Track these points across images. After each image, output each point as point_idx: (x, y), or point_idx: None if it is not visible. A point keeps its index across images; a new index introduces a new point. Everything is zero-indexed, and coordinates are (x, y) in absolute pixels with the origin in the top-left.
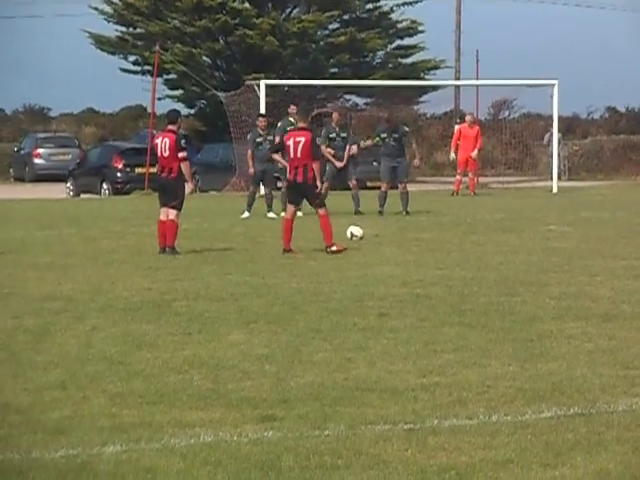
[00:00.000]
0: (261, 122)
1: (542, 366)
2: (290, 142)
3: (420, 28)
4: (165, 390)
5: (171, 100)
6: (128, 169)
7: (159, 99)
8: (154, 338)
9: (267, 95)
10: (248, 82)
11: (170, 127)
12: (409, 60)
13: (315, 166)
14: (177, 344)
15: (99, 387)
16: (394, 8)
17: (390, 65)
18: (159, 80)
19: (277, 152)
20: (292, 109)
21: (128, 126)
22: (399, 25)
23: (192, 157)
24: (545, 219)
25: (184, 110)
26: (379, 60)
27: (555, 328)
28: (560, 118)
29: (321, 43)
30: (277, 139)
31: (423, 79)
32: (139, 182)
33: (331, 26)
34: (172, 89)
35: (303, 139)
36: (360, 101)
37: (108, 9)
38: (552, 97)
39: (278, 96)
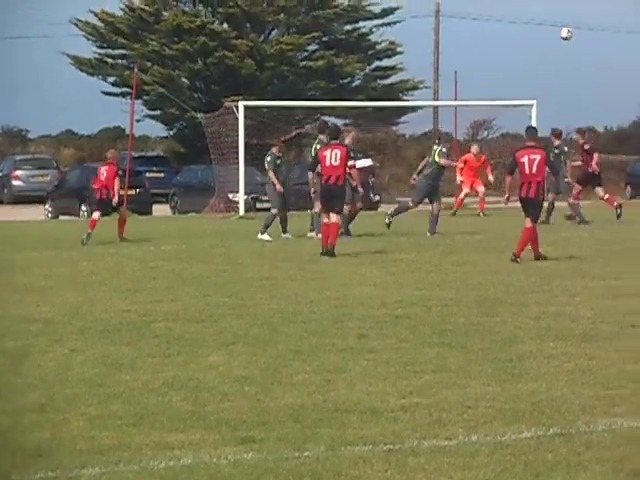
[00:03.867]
0: (278, 145)
1: (522, 386)
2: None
3: (399, 49)
4: (144, 412)
5: (150, 121)
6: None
7: (137, 121)
8: (133, 360)
9: (246, 116)
10: (227, 103)
11: None
12: (388, 81)
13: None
14: (156, 366)
15: (78, 409)
16: (373, 29)
17: (369, 86)
18: (138, 101)
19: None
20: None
21: (106, 148)
22: (378, 46)
23: (171, 179)
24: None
25: (163, 132)
26: (358, 82)
27: (535, 348)
28: (539, 138)
29: (299, 66)
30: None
31: (402, 100)
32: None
33: (310, 47)
34: (151, 110)
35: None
36: (339, 122)
37: (88, 28)
38: (530, 117)
39: (257, 118)
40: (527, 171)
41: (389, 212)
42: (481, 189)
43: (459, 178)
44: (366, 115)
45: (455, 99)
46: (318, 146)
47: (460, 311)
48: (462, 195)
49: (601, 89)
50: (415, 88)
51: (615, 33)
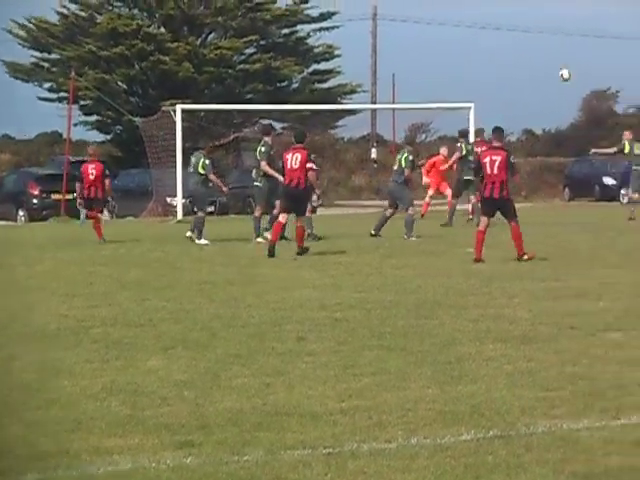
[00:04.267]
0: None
1: (461, 388)
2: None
3: (336, 52)
4: (83, 417)
5: (86, 126)
6: (44, 195)
7: (75, 125)
8: (71, 365)
9: (183, 120)
10: (164, 107)
11: None
12: (326, 85)
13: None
14: (95, 371)
15: (16, 415)
16: (310, 33)
17: (307, 90)
18: (75, 106)
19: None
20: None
21: (44, 152)
22: (315, 50)
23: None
24: (463, 242)
25: (99, 136)
26: (296, 85)
27: (474, 350)
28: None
29: (237, 69)
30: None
31: (340, 103)
32: (55, 208)
33: (248, 51)
34: (87, 115)
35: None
36: (277, 126)
37: (22, 33)
38: (469, 120)
39: (194, 121)
40: (489, 171)
41: (405, 234)
42: (448, 192)
43: (425, 180)
44: (304, 119)
45: (393, 102)
46: (262, 148)
47: (399, 314)
48: (427, 199)
49: (538, 91)
50: (353, 92)
51: (553, 35)
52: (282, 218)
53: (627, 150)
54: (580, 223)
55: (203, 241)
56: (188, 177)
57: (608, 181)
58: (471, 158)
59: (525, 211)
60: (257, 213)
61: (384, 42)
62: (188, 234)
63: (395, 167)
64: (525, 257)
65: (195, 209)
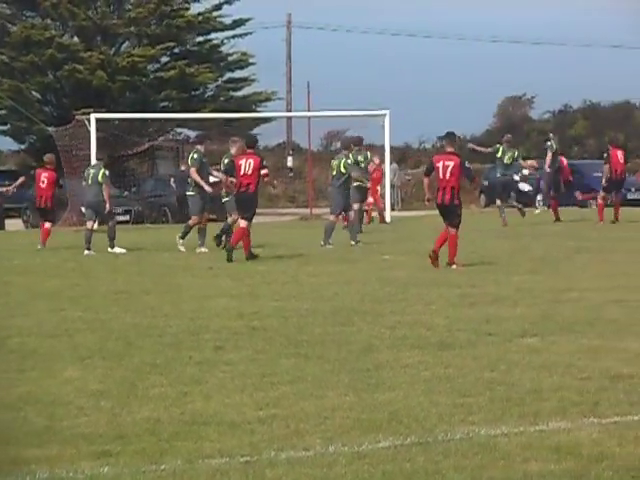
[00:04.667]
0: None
1: (379, 396)
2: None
3: (251, 60)
4: None
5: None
6: None
7: None
8: None
9: (98, 129)
10: (78, 116)
11: None
12: (240, 93)
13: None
14: (11, 381)
15: None
16: (224, 41)
17: (222, 98)
18: None
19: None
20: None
21: None
22: (230, 58)
23: (23, 193)
24: (379, 249)
25: (13, 145)
26: (210, 93)
27: (391, 357)
28: (392, 148)
29: (151, 77)
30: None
31: (255, 111)
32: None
33: (162, 59)
34: (1, 124)
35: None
36: (192, 134)
37: None
38: (384, 127)
39: (109, 130)
40: (441, 176)
41: (323, 240)
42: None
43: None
44: (219, 127)
45: (308, 110)
46: (194, 155)
47: (316, 321)
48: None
49: (454, 98)
50: (268, 99)
51: (472, 42)
52: (242, 223)
53: (499, 155)
54: (496, 229)
55: (118, 250)
56: (87, 189)
57: (524, 187)
58: (363, 166)
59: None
60: (192, 222)
61: (299, 50)
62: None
63: (334, 172)
64: (453, 267)
65: (103, 219)
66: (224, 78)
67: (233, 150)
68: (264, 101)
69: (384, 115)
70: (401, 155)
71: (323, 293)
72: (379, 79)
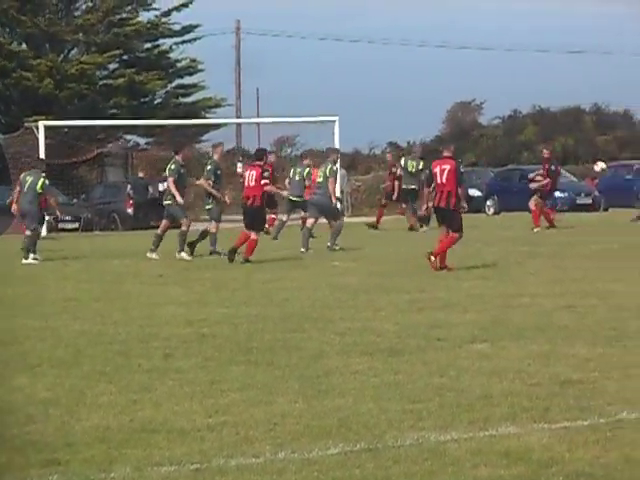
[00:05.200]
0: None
1: (329, 402)
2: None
3: (200, 67)
4: None
5: None
6: None
7: None
8: None
9: (46, 136)
10: (27, 124)
11: None
12: (190, 99)
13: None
14: None
15: None
16: (173, 47)
17: (171, 104)
18: None
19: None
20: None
21: None
22: (179, 64)
23: None
24: (329, 255)
25: None
26: (159, 100)
27: (341, 364)
28: (342, 154)
29: (100, 84)
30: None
31: (204, 117)
32: None
33: (111, 66)
34: None
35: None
36: (141, 141)
37: None
38: (334, 133)
39: (57, 137)
40: (439, 181)
41: (302, 246)
42: None
43: None
44: (169, 133)
45: (258, 116)
46: (172, 166)
47: (266, 328)
48: None
49: (404, 104)
50: (218, 106)
51: (419, 47)
52: (253, 235)
53: (402, 164)
54: None
55: (30, 259)
56: (21, 196)
57: (474, 193)
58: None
59: (390, 224)
60: (184, 227)
61: (246, 56)
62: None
63: (320, 180)
64: (432, 258)
65: (27, 227)
66: (173, 84)
67: (216, 156)
68: (213, 107)
69: (334, 121)
70: (350, 161)
71: (273, 299)
72: (327, 85)
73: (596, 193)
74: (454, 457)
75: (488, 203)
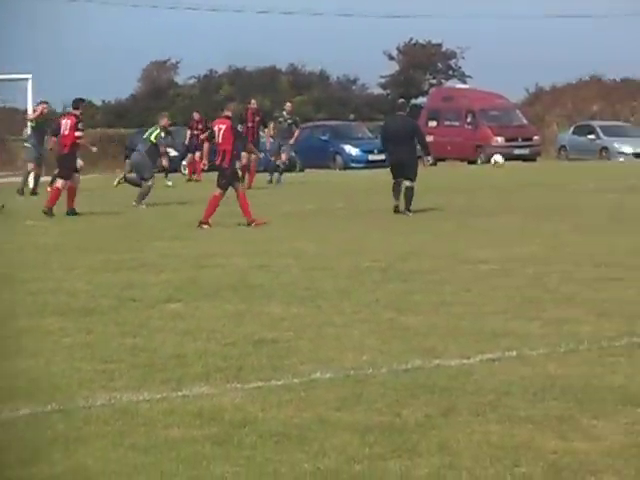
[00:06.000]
0: None
1: (20, 363)
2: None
3: None
4: None
5: None
6: None
7: None
8: None
9: None
10: None
11: None
12: None
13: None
14: None
15: None
16: None
17: None
18: None
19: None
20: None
21: None
22: None
23: None
24: (23, 214)
25: None
26: None
27: (33, 324)
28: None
29: None
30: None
31: None
32: None
33: None
34: None
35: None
36: None
37: None
38: (27, 91)
39: None
40: (218, 140)
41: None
42: None
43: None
44: None
45: None
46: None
47: None
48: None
49: (96, 62)
50: None
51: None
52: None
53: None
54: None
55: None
56: None
57: (171, 152)
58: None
59: (87, 182)
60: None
61: None
62: None
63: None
64: (253, 224)
65: None
66: None
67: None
68: None
69: (27, 79)
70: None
71: None
72: (23, 41)
73: (292, 153)
74: (146, 417)
75: (184, 163)
